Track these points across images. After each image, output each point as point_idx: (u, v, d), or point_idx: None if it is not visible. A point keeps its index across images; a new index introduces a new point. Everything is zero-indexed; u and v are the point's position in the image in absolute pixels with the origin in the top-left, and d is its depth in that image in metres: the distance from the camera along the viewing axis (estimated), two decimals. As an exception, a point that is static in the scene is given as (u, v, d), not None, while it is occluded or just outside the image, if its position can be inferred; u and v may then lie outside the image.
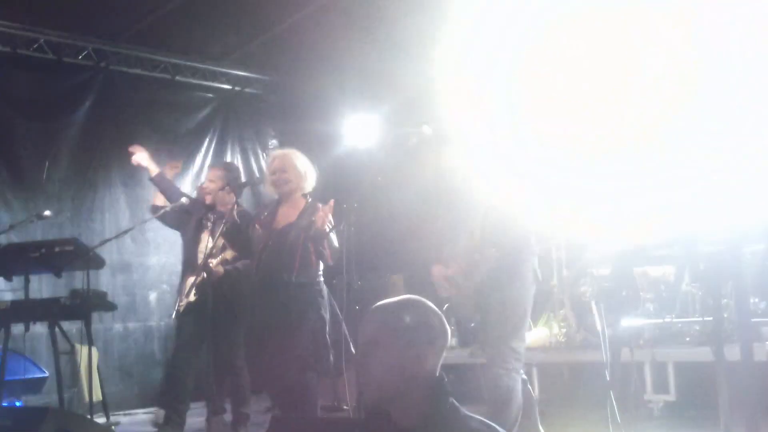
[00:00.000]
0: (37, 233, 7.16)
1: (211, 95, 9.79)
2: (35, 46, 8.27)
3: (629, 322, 5.61)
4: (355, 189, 6.49)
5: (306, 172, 5.65)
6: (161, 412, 6.71)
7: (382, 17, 7.81)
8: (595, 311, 6.82)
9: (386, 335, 2.68)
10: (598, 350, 6.19)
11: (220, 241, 6.00)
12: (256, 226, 5.70)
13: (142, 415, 8.05)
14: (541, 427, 4.49)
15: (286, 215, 5.62)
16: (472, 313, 4.33)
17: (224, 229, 5.96)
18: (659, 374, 6.14)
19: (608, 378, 4.64)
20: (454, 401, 2.68)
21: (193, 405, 6.57)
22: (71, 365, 7.18)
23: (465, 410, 2.66)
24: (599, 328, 6.69)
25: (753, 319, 5.94)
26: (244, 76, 9.85)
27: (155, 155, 7.03)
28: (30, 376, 7.01)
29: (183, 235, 6.79)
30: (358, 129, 9.52)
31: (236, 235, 5.93)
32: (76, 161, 8.55)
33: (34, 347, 7.10)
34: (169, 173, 6.85)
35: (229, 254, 6.11)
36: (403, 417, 2.68)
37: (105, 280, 7.64)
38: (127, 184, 8.87)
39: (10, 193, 8.02)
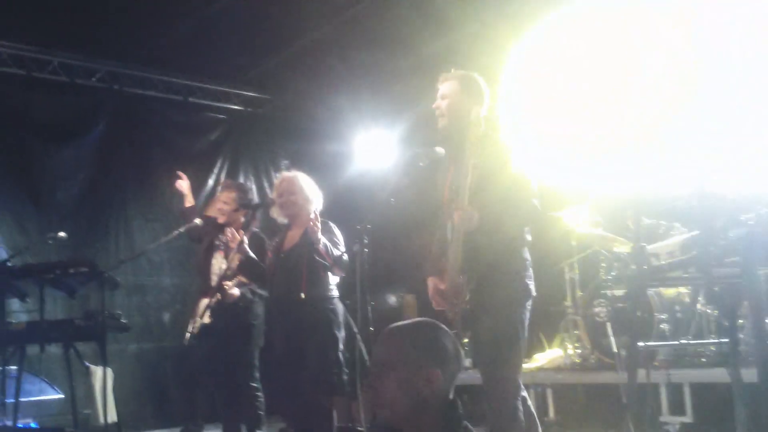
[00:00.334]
0: (52, 254, 7.18)
1: (223, 116, 9.83)
2: (49, 68, 8.34)
3: (644, 344, 5.57)
4: (369, 210, 6.52)
5: (312, 195, 5.70)
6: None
7: (396, 38, 7.85)
8: (610, 332, 6.81)
9: (398, 357, 2.69)
10: (614, 372, 6.19)
11: (235, 263, 6.01)
12: (269, 254, 5.76)
13: (156, 437, 8.06)
14: None
15: (293, 237, 5.67)
16: (463, 330, 4.26)
17: (239, 262, 5.99)
18: (675, 396, 6.10)
19: (624, 400, 4.61)
20: (468, 425, 2.68)
21: (207, 426, 6.56)
22: (86, 386, 7.18)
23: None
24: (614, 349, 6.69)
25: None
26: (256, 97, 9.89)
27: (168, 176, 7.07)
28: (45, 396, 7.02)
29: (196, 257, 6.81)
30: (371, 149, 9.56)
31: (252, 267, 5.97)
32: (91, 183, 8.60)
33: (49, 368, 7.11)
34: None
35: (243, 276, 6.13)
36: (416, 439, 2.70)
37: (119, 301, 7.66)
38: (142, 205, 8.90)
39: (26, 215, 8.08)
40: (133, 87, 8.99)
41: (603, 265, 7.29)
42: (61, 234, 6.57)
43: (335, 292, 5.63)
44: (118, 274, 6.42)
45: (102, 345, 6.09)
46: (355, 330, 5.63)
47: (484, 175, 4.16)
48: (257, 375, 6.37)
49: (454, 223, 4.20)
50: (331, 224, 5.73)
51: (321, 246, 5.39)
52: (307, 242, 5.46)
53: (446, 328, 2.94)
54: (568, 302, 7.50)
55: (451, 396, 2.76)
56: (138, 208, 8.87)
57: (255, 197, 7.11)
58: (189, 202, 6.92)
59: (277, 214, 5.87)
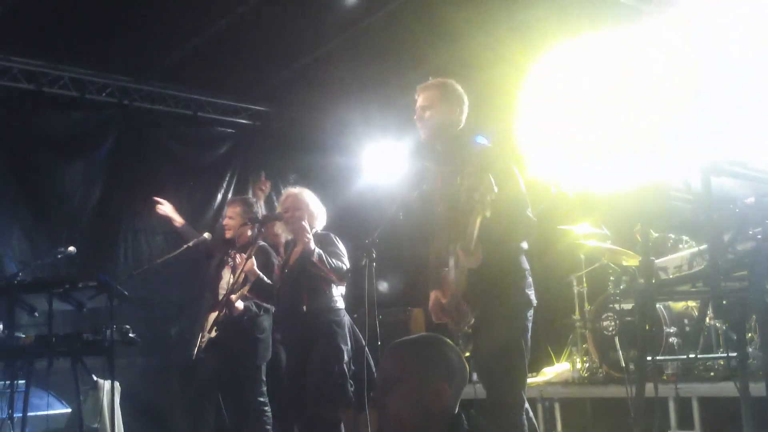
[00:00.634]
0: (61, 269, 7.20)
1: (232, 130, 9.85)
2: (59, 83, 8.39)
3: (653, 357, 5.56)
4: (376, 224, 6.54)
5: (316, 211, 5.75)
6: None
7: (404, 51, 7.88)
8: (618, 346, 6.80)
9: (405, 372, 2.69)
10: (621, 385, 6.18)
11: (241, 277, 6.03)
12: (276, 271, 5.79)
13: (164, 451, 8.05)
14: None
15: (297, 253, 5.69)
16: (465, 345, 4.21)
17: (251, 287, 6.02)
18: (684, 410, 6.08)
19: (632, 414, 4.59)
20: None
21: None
22: (93, 400, 7.18)
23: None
24: (622, 363, 6.67)
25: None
26: (265, 111, 9.90)
27: (178, 191, 7.10)
28: (53, 411, 7.02)
29: (206, 272, 6.83)
30: (379, 163, 9.57)
31: (263, 288, 6.01)
32: (100, 197, 8.63)
33: (57, 382, 7.11)
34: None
35: (247, 289, 6.14)
36: (422, 453, 2.69)
37: (128, 315, 7.64)
38: (151, 219, 8.92)
39: (35, 230, 8.10)
40: (143, 102, 9.02)
41: (611, 278, 7.29)
42: (71, 248, 6.59)
43: (340, 304, 5.64)
44: (126, 289, 6.42)
45: (110, 359, 6.09)
46: (363, 343, 5.63)
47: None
48: (264, 389, 6.38)
49: (459, 260, 4.17)
50: (333, 236, 5.76)
51: (315, 256, 5.41)
52: (305, 255, 5.48)
53: (451, 342, 2.95)
54: (577, 316, 7.50)
55: (456, 410, 2.76)
56: (147, 223, 8.89)
57: (260, 211, 7.12)
58: (178, 222, 6.99)
59: (282, 230, 5.90)
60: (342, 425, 5.51)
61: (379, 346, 5.29)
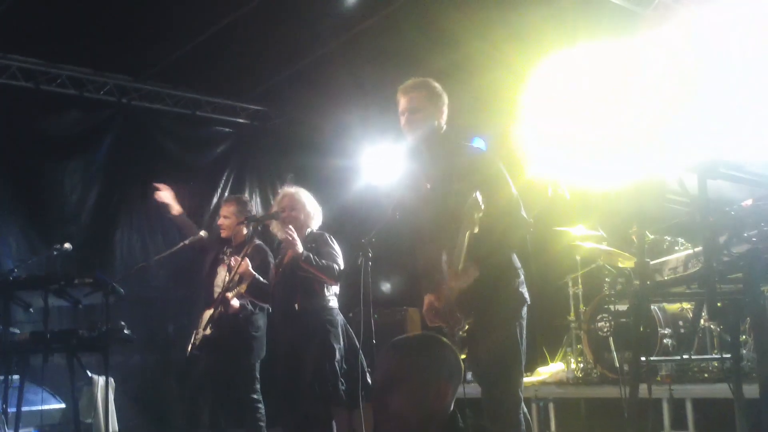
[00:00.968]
0: (57, 266, 7.20)
1: (230, 130, 9.86)
2: (58, 81, 8.40)
3: (647, 358, 5.57)
4: (373, 224, 6.55)
5: (313, 211, 5.75)
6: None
7: (403, 54, 7.89)
8: (612, 347, 6.82)
9: (408, 372, 2.69)
10: (616, 386, 6.19)
11: (237, 276, 6.04)
12: (273, 270, 5.80)
13: (158, 448, 8.05)
14: None
15: (290, 253, 5.70)
16: (460, 347, 4.17)
17: (248, 287, 6.02)
18: (678, 411, 6.10)
19: (626, 414, 4.61)
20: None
21: (209, 438, 6.57)
22: (88, 396, 7.18)
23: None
24: (616, 364, 6.69)
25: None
26: (263, 111, 9.92)
27: (175, 190, 7.10)
28: (47, 406, 7.02)
29: (200, 270, 6.83)
30: (377, 164, 9.58)
31: (259, 288, 6.02)
32: (98, 195, 8.65)
33: (51, 378, 7.11)
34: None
35: (243, 288, 6.15)
36: (419, 452, 2.70)
37: (124, 312, 7.64)
38: (148, 217, 8.93)
39: (31, 227, 8.12)
40: (141, 101, 9.04)
41: (607, 280, 7.32)
42: (67, 245, 6.59)
43: (333, 303, 5.65)
44: (123, 286, 6.43)
45: (105, 356, 6.10)
46: (356, 342, 5.64)
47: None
48: (258, 387, 6.39)
49: (450, 285, 4.16)
50: (327, 236, 5.77)
51: (303, 259, 5.41)
52: (294, 257, 5.49)
53: (448, 342, 2.97)
54: (572, 317, 7.53)
55: (451, 409, 2.77)
56: (144, 221, 8.90)
57: (255, 210, 7.12)
58: (176, 210, 6.96)
59: (278, 230, 5.90)
60: (333, 423, 5.52)
61: (374, 345, 5.31)
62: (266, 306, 6.26)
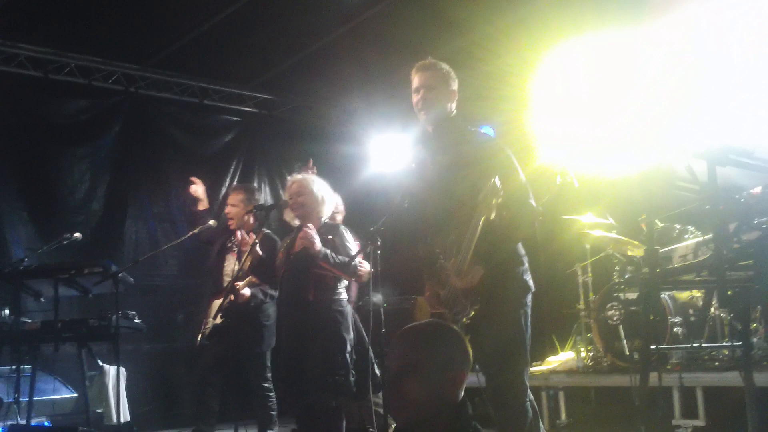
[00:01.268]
0: (66, 255, 7.23)
1: (237, 118, 9.86)
2: (66, 70, 8.41)
3: (657, 347, 5.56)
4: (382, 212, 6.54)
5: (323, 196, 5.68)
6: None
7: (409, 41, 7.86)
8: (622, 335, 6.80)
9: (424, 358, 2.70)
10: (626, 375, 6.18)
11: (247, 264, 6.03)
12: (280, 255, 5.77)
13: (169, 436, 8.08)
14: None
15: (301, 239, 5.65)
16: (465, 335, 4.11)
17: (251, 264, 6.00)
18: (688, 399, 6.09)
19: (636, 403, 4.59)
20: (477, 425, 2.70)
21: (219, 427, 6.58)
22: (99, 385, 7.22)
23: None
24: (626, 352, 6.68)
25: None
26: (270, 99, 9.91)
27: (182, 179, 7.12)
28: (59, 395, 7.06)
29: (208, 258, 6.84)
30: (385, 152, 9.56)
31: (263, 268, 6.00)
32: (106, 184, 8.67)
33: (63, 367, 7.15)
34: None
35: (255, 278, 6.15)
36: (430, 440, 2.70)
37: (133, 301, 7.68)
38: (156, 206, 8.96)
39: (41, 216, 8.15)
40: (149, 89, 9.05)
41: (616, 268, 7.29)
42: (76, 234, 6.61)
43: (343, 295, 5.63)
44: (133, 275, 6.45)
45: (115, 345, 6.12)
46: (364, 334, 5.63)
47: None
48: (269, 375, 6.40)
49: (450, 281, 4.14)
50: (342, 228, 5.71)
51: (321, 258, 5.37)
52: (312, 256, 5.43)
53: (458, 329, 2.97)
54: (581, 305, 7.50)
55: (461, 397, 2.77)
56: (153, 210, 8.92)
57: (263, 198, 7.10)
58: (203, 205, 6.97)
59: (290, 217, 5.88)
60: (342, 413, 5.52)
61: (383, 333, 5.31)
62: (275, 294, 6.24)
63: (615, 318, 6.89)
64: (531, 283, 4.25)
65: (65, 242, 6.60)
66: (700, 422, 6.02)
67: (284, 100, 9.99)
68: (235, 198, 6.71)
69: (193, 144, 9.47)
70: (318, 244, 5.36)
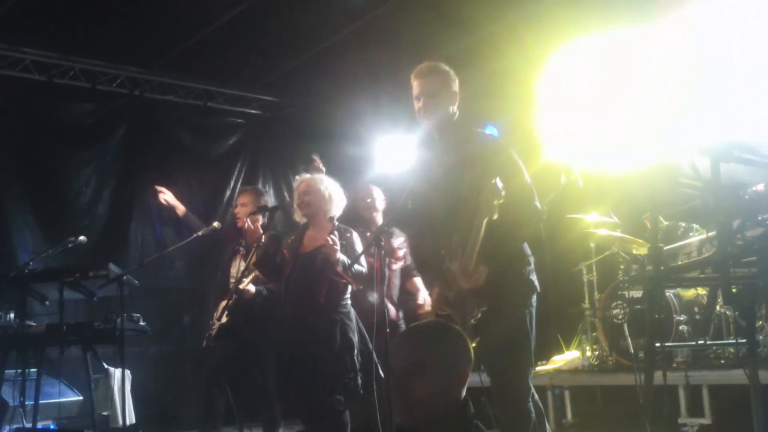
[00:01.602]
0: (72, 258, 7.24)
1: (242, 120, 9.87)
2: (70, 74, 8.43)
3: (661, 345, 5.55)
4: (385, 213, 6.55)
5: (331, 195, 5.68)
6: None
7: (415, 40, 7.86)
8: (627, 334, 6.79)
9: (432, 357, 2.70)
10: (631, 373, 6.17)
11: (253, 260, 6.04)
12: (284, 250, 5.76)
13: (175, 439, 8.09)
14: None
15: (313, 239, 5.66)
16: (471, 336, 4.10)
17: (257, 256, 6.00)
18: (694, 397, 6.07)
19: (641, 401, 4.59)
20: (479, 423, 2.70)
21: (224, 429, 6.59)
22: (104, 388, 7.23)
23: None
24: (631, 350, 6.67)
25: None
26: (275, 101, 9.92)
27: (189, 181, 7.13)
28: (64, 399, 7.07)
29: (214, 261, 6.86)
30: (390, 152, 9.55)
31: (267, 263, 5.99)
32: (112, 187, 8.69)
33: (68, 370, 7.16)
34: None
35: (258, 271, 6.16)
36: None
37: (139, 304, 7.70)
38: (161, 209, 8.96)
39: (46, 219, 8.16)
40: (153, 92, 9.06)
41: (621, 267, 7.28)
42: (81, 238, 6.63)
43: (349, 298, 5.64)
44: (138, 278, 6.45)
45: (121, 348, 6.13)
46: (366, 335, 5.63)
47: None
48: (273, 377, 6.40)
49: (455, 281, 4.14)
50: (355, 236, 5.70)
51: (340, 267, 5.37)
52: (330, 264, 5.43)
53: (460, 329, 2.98)
54: (587, 304, 7.49)
55: (463, 395, 2.78)
56: (157, 213, 8.92)
57: (270, 200, 7.12)
58: (180, 210, 7.03)
59: (298, 216, 5.89)
60: (348, 415, 5.51)
61: (387, 333, 5.31)
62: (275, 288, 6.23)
63: (620, 317, 6.88)
64: (537, 283, 4.24)
65: (70, 246, 6.62)
66: (706, 420, 6.01)
67: (289, 102, 9.99)
68: (243, 199, 6.76)
69: (198, 146, 9.48)
70: (339, 253, 5.37)
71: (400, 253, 6.57)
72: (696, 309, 6.61)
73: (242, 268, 6.24)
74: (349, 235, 5.66)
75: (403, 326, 6.34)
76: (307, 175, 5.86)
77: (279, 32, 8.07)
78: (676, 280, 4.78)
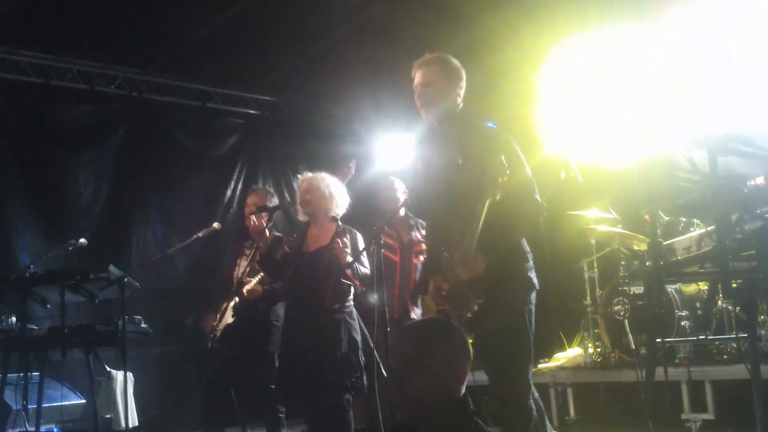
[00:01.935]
0: (72, 261, 7.24)
1: (241, 121, 9.86)
2: (68, 76, 8.43)
3: (662, 340, 5.54)
4: (386, 210, 6.54)
5: (332, 194, 5.68)
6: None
7: (413, 37, 7.84)
8: (629, 330, 6.78)
9: (429, 355, 2.71)
10: (634, 370, 6.17)
11: (256, 260, 6.04)
12: (285, 248, 5.75)
13: (179, 440, 8.09)
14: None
15: (316, 238, 5.65)
16: (468, 332, 4.06)
17: (260, 256, 6.00)
18: (697, 393, 6.06)
19: (642, 397, 4.57)
20: (479, 421, 2.69)
21: (228, 430, 6.58)
22: (107, 391, 7.22)
23: (489, 430, 2.68)
24: (633, 346, 6.66)
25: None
26: (274, 101, 9.91)
27: (188, 182, 7.12)
28: (67, 402, 7.07)
29: (217, 261, 6.85)
30: (390, 151, 9.54)
31: (270, 262, 5.98)
32: (111, 189, 8.68)
33: (71, 373, 7.16)
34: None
35: (261, 269, 6.15)
36: (432, 435, 2.71)
37: (142, 305, 7.70)
38: (161, 210, 8.96)
39: (47, 221, 8.17)
40: (152, 93, 9.05)
41: (622, 263, 7.27)
42: (82, 240, 6.62)
43: (352, 299, 5.64)
44: (138, 279, 6.45)
45: (123, 350, 6.12)
46: (367, 333, 5.64)
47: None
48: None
49: (458, 275, 4.11)
50: (360, 237, 5.70)
51: (348, 269, 5.38)
52: (340, 266, 5.43)
53: (458, 326, 2.97)
54: (588, 301, 7.49)
55: (462, 392, 2.77)
56: (158, 214, 8.93)
57: (274, 201, 7.09)
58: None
59: (301, 215, 5.90)
60: (352, 413, 5.51)
61: (388, 331, 5.30)
62: (278, 288, 6.22)
63: (621, 313, 6.87)
64: (535, 280, 4.19)
65: (70, 248, 6.61)
66: (709, 416, 6.00)
67: (288, 101, 9.98)
68: (252, 199, 6.76)
69: (197, 147, 9.48)
70: (349, 255, 5.37)
71: (424, 246, 6.55)
72: (698, 304, 6.60)
73: (248, 269, 6.23)
74: (352, 235, 5.66)
75: None
76: (309, 174, 5.86)
77: (277, 32, 8.07)
78: (676, 276, 4.77)
